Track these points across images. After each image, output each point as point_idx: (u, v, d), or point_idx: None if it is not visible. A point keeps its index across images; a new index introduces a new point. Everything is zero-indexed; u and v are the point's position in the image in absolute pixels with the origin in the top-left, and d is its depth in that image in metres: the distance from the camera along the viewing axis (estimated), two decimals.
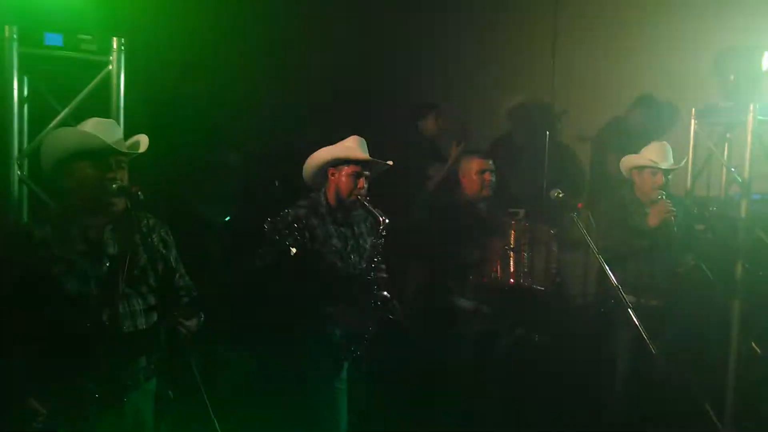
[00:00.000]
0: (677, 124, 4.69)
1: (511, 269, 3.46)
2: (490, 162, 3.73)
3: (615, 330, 3.77)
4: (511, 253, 3.46)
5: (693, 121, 4.30)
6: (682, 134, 4.36)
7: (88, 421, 2.22)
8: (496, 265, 3.49)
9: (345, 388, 3.16)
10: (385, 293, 3.11)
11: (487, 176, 3.70)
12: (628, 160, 3.89)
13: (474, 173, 3.70)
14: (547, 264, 3.55)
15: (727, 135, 4.33)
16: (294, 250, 2.61)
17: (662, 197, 3.73)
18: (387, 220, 3.10)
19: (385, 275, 3.16)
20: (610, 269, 3.06)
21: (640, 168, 3.82)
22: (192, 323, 2.30)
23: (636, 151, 3.89)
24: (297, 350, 3.11)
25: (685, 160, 3.91)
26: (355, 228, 3.24)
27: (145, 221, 2.36)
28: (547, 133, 5.36)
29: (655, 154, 3.79)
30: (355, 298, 3.08)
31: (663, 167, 3.75)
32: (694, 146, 4.32)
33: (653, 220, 3.72)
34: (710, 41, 4.59)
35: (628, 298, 3.56)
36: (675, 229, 3.75)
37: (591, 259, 3.71)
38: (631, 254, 3.69)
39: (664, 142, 3.84)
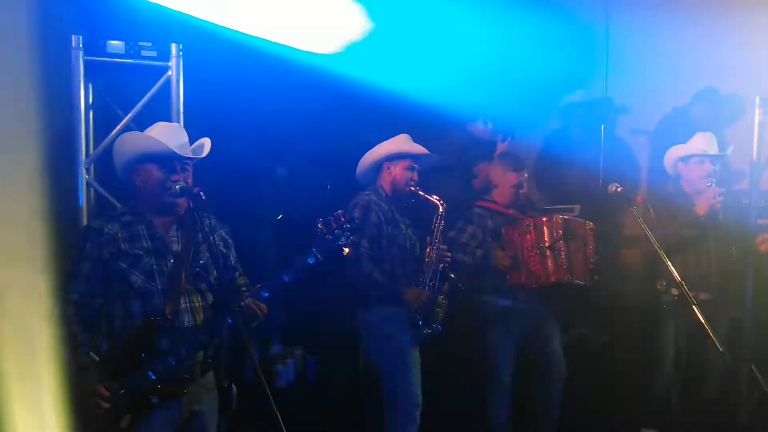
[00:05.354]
0: (741, 115, 4.50)
1: (550, 267, 3.40)
2: (526, 175, 3.75)
3: (673, 326, 3.66)
4: (548, 250, 3.41)
5: (757, 110, 4.11)
6: (747, 125, 4.17)
7: (149, 408, 2.31)
8: (534, 263, 3.43)
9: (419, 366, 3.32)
10: (452, 275, 3.38)
11: (523, 190, 3.72)
12: (673, 153, 3.81)
13: (509, 185, 3.70)
14: (585, 259, 3.47)
15: None
16: (347, 250, 2.61)
17: (711, 185, 3.64)
18: (445, 204, 3.33)
19: (448, 257, 3.35)
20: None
21: (686, 159, 3.74)
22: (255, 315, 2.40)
23: None
24: (378, 326, 3.32)
25: (731, 149, 3.77)
26: (405, 219, 3.48)
27: (207, 221, 2.43)
28: (602, 126, 5.24)
29: (699, 143, 3.71)
30: (425, 280, 3.31)
31: (709, 154, 3.67)
32: (759, 137, 4.12)
33: (701, 208, 3.62)
34: None
35: (675, 292, 3.51)
36: (721, 217, 3.68)
37: (649, 252, 3.55)
38: (680, 245, 3.56)
39: (709, 132, 3.76)
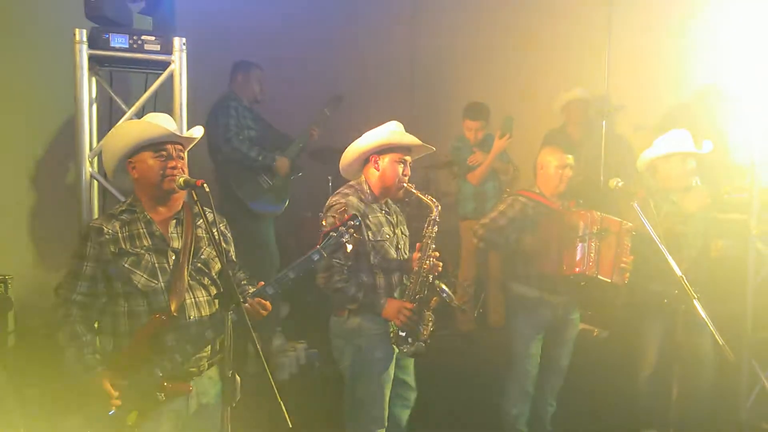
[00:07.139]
0: (744, 113, 4.50)
1: (577, 258, 3.40)
2: (571, 157, 3.62)
3: (667, 322, 3.68)
4: (578, 241, 3.39)
5: (758, 108, 4.11)
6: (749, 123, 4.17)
7: (156, 404, 2.32)
8: (562, 254, 3.43)
9: (392, 378, 3.04)
10: (443, 284, 3.01)
11: (567, 172, 3.60)
12: (654, 150, 3.74)
13: (554, 167, 3.59)
14: (616, 257, 3.45)
15: None
16: (350, 246, 2.57)
17: (696, 183, 3.65)
18: (440, 207, 2.99)
19: (440, 264, 3.00)
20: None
21: (668, 156, 3.67)
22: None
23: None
24: (349, 337, 2.99)
25: (710, 144, 3.74)
26: (393, 217, 3.13)
27: (209, 215, 2.43)
28: (603, 123, 5.25)
29: (679, 141, 3.66)
30: (411, 292, 2.96)
31: (694, 152, 3.61)
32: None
33: (691, 206, 3.63)
34: None
35: (657, 288, 3.50)
36: (711, 215, 3.75)
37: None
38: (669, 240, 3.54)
39: (685, 129, 3.69)
